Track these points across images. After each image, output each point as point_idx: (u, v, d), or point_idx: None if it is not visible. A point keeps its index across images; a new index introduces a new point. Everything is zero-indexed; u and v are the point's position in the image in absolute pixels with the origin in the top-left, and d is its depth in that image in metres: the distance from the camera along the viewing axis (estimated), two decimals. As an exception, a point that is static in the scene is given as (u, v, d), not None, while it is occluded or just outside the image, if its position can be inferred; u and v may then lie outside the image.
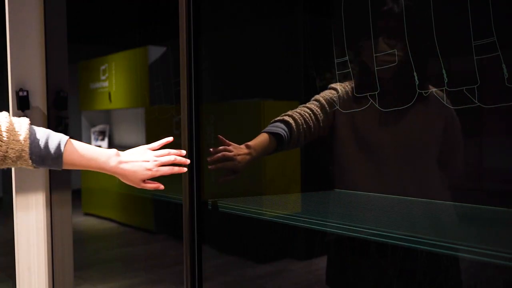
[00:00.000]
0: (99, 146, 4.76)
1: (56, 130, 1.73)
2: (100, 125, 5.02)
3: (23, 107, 1.63)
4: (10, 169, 1.65)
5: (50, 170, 1.69)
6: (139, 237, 3.28)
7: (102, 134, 4.98)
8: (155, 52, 3.91)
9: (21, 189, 1.66)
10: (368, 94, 1.34)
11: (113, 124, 4.98)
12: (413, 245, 1.11)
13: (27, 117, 1.69)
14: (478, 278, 1.20)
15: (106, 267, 2.99)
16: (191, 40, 1.32)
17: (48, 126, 1.69)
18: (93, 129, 4.99)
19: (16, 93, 1.62)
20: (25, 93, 1.63)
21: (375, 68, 1.35)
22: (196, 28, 1.35)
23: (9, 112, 1.64)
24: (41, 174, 1.69)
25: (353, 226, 1.22)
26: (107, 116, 5.05)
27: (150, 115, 3.73)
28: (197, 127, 1.37)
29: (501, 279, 1.12)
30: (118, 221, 3.99)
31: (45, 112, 1.69)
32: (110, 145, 4.85)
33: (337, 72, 1.47)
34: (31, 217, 1.69)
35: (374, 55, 1.34)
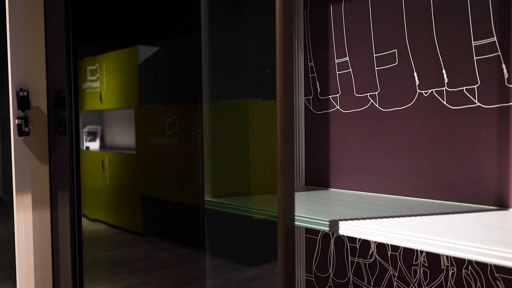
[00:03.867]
0: (87, 148, 4.67)
1: (56, 130, 1.73)
2: (91, 125, 4.99)
3: (23, 107, 1.63)
4: (10, 169, 1.64)
5: (50, 170, 1.70)
6: (135, 238, 3.26)
7: (91, 135, 4.94)
8: (146, 51, 3.90)
9: (21, 189, 1.66)
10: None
11: (105, 124, 4.95)
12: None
13: (27, 117, 1.69)
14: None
15: (106, 267, 2.99)
16: (70, 50, 1.42)
17: (49, 126, 1.70)
18: (84, 130, 4.96)
19: (17, 93, 1.62)
20: (25, 93, 1.63)
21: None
22: (74, 37, 1.47)
23: (9, 112, 1.64)
24: (41, 174, 1.69)
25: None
26: (99, 117, 5.01)
27: (140, 116, 3.72)
28: (76, 129, 1.43)
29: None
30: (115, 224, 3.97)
31: (46, 112, 1.69)
32: (102, 146, 4.81)
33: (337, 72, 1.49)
34: (31, 217, 1.68)
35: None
